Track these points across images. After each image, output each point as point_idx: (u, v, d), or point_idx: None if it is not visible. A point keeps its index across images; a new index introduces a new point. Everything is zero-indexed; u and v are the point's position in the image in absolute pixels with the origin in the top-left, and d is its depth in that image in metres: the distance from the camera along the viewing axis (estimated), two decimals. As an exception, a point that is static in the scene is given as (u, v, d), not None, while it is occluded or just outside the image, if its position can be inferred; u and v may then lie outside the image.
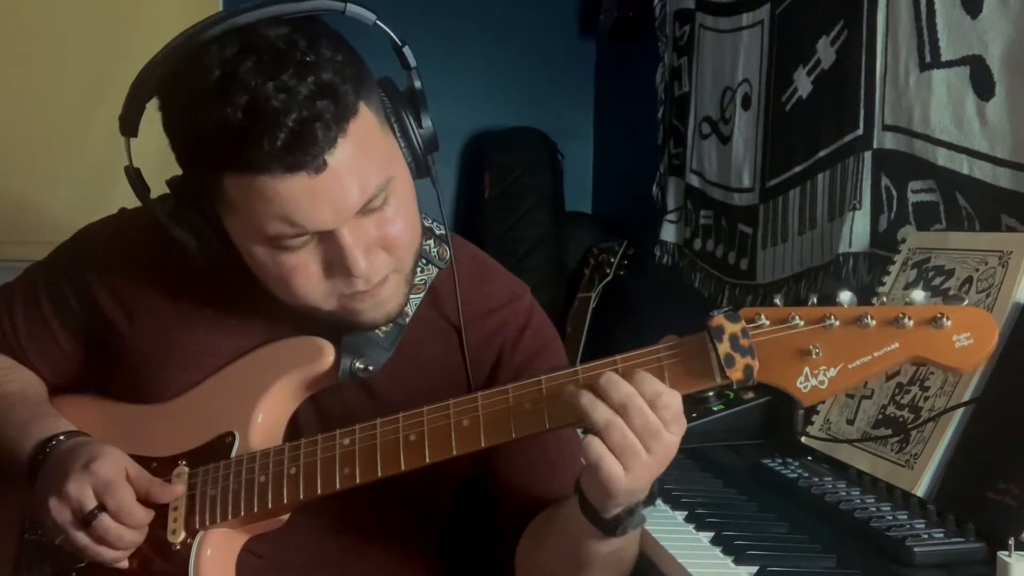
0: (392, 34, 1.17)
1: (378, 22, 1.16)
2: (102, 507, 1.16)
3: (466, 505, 1.36)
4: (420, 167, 1.19)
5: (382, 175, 1.11)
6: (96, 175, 2.66)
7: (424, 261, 1.27)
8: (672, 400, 0.99)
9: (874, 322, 0.95)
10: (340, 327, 1.20)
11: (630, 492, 1.01)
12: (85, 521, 1.16)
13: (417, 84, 1.19)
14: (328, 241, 1.10)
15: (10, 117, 2.68)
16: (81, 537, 1.17)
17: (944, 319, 0.93)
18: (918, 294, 0.96)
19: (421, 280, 1.26)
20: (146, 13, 2.76)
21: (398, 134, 1.17)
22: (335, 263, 1.11)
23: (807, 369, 0.96)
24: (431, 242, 1.29)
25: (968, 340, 0.93)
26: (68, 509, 1.16)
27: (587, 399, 0.99)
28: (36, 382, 1.35)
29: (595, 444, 0.98)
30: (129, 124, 1.16)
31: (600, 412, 0.98)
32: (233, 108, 1.03)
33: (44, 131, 2.72)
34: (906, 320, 0.94)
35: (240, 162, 1.05)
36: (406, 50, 1.18)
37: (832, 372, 0.96)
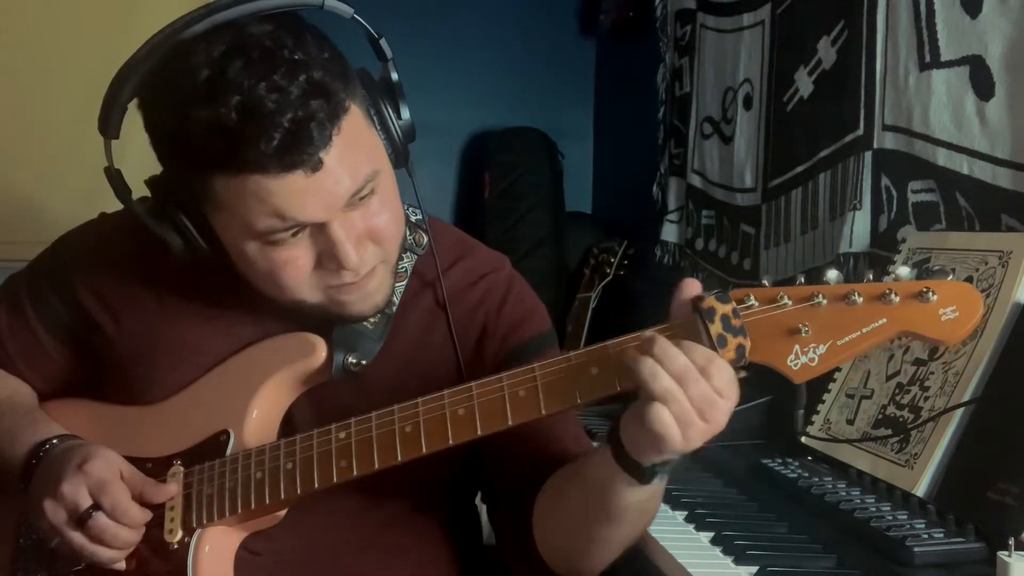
0: (368, 27, 1.18)
1: (355, 16, 1.16)
2: (97, 506, 1.16)
3: (466, 488, 1.37)
4: (399, 157, 1.20)
5: (370, 167, 1.12)
6: (96, 175, 2.64)
7: (404, 251, 1.28)
8: (723, 366, 0.98)
9: (861, 299, 0.96)
10: (327, 319, 1.20)
11: (681, 452, 1.02)
12: (80, 520, 1.16)
13: (394, 75, 1.19)
14: (318, 234, 1.11)
15: (10, 117, 2.68)
16: (77, 537, 1.17)
17: (930, 293, 0.94)
18: (904, 270, 0.96)
19: (403, 268, 1.28)
20: (146, 13, 2.76)
21: (378, 126, 1.17)
22: (325, 256, 1.12)
23: (797, 347, 0.97)
24: (406, 230, 1.29)
25: (954, 313, 0.94)
26: (63, 510, 1.16)
27: (648, 368, 0.97)
28: (25, 389, 1.35)
29: (663, 414, 0.97)
30: (110, 125, 1.14)
31: (661, 382, 0.97)
32: (226, 109, 1.03)
33: (44, 131, 2.72)
34: (892, 296, 0.95)
35: (234, 163, 1.05)
36: (382, 41, 1.19)
37: (822, 349, 0.96)
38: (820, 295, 0.97)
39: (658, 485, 1.07)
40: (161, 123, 1.11)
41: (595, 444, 1.26)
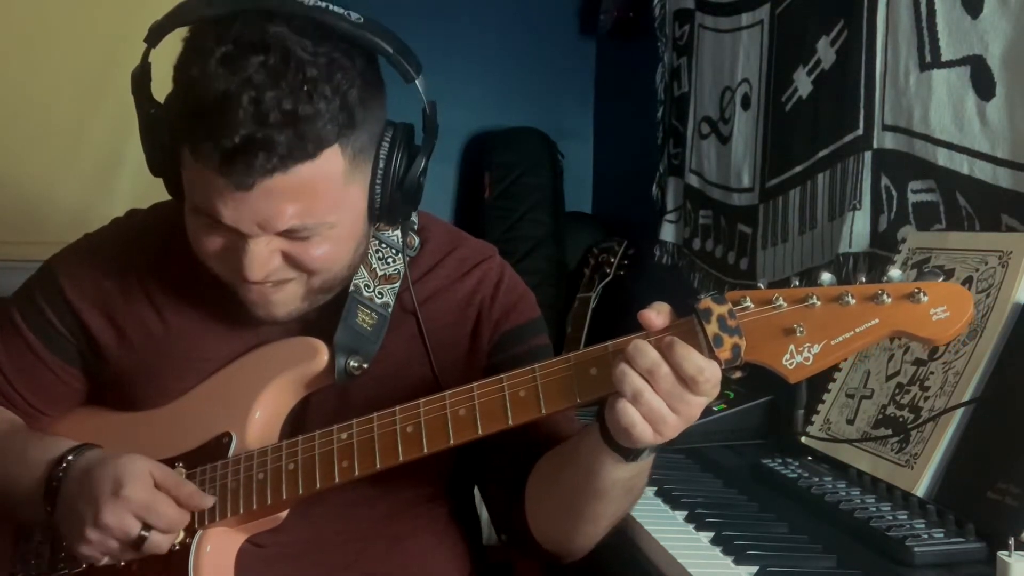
0: (423, 96, 1.18)
1: (417, 82, 1.17)
2: (148, 526, 1.15)
3: (466, 479, 1.37)
4: (381, 214, 1.20)
5: (316, 218, 1.13)
6: (96, 175, 2.66)
7: (394, 252, 1.29)
8: (690, 356, 0.99)
9: (854, 300, 0.97)
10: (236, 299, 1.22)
11: (656, 443, 1.05)
12: (135, 545, 1.16)
13: (426, 157, 1.20)
14: (240, 238, 1.13)
15: (10, 116, 2.68)
16: (131, 555, 1.17)
17: (921, 294, 0.96)
18: (895, 272, 0.98)
19: (395, 271, 1.29)
20: (147, 13, 2.75)
21: (379, 179, 1.17)
22: (235, 256, 1.14)
23: (792, 347, 0.99)
24: (398, 233, 1.30)
25: (945, 313, 0.95)
26: (113, 539, 1.15)
27: (619, 370, 1.01)
28: (16, 418, 1.33)
29: (628, 412, 1.01)
30: (157, 35, 1.16)
31: (630, 382, 1.00)
32: (212, 89, 1.05)
33: (44, 131, 2.72)
34: (885, 296, 0.97)
35: (193, 143, 1.08)
36: (431, 112, 1.20)
37: (816, 349, 0.98)
38: (814, 296, 0.98)
39: (644, 463, 1.10)
40: (180, 59, 1.12)
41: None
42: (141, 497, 1.15)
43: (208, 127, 1.05)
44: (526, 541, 1.24)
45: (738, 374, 1.02)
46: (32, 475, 1.21)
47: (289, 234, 1.13)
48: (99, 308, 1.30)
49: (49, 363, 1.31)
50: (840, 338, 0.98)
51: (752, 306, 1.00)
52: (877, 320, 0.97)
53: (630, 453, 1.07)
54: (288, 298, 1.20)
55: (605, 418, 1.06)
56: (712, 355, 0.99)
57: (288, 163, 1.07)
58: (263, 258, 1.13)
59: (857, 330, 0.97)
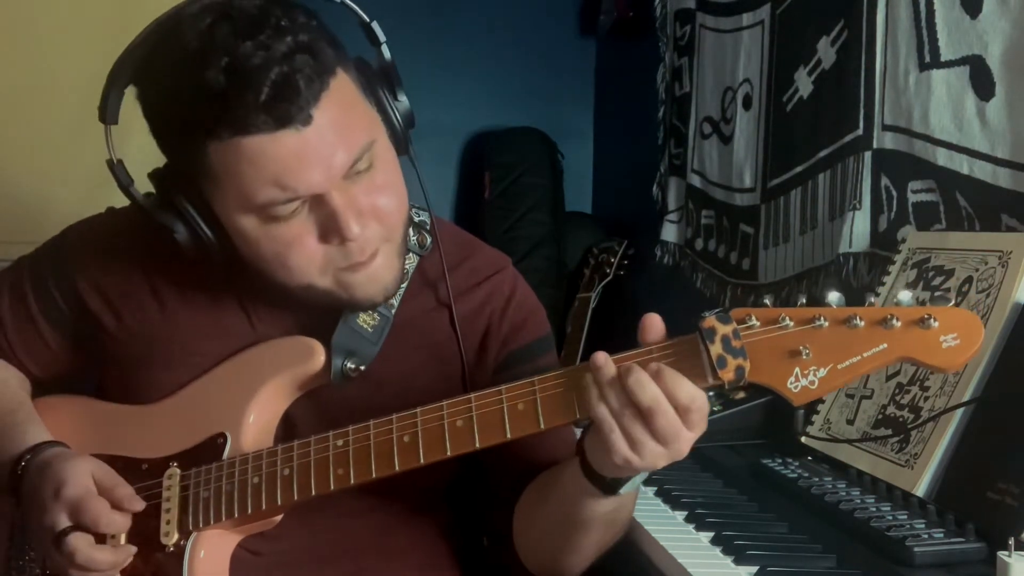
0: (359, 11, 1.17)
1: (345, 0, 1.16)
2: (76, 527, 1.15)
3: (465, 490, 1.37)
4: (399, 143, 1.20)
5: (365, 136, 1.11)
6: (96, 175, 2.65)
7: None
8: (692, 392, 0.98)
9: (863, 323, 0.95)
10: (334, 307, 1.19)
11: (640, 472, 1.03)
12: (56, 542, 1.14)
13: (387, 55, 1.19)
14: (319, 208, 1.10)
15: (10, 117, 2.68)
16: (65, 562, 1.16)
17: (931, 320, 0.94)
18: (905, 295, 0.96)
19: (404, 270, 1.27)
20: (148, 13, 2.75)
21: (374, 106, 1.17)
22: (329, 230, 1.11)
23: (797, 369, 0.97)
24: (409, 230, 1.28)
25: (955, 341, 0.93)
26: (48, 540, 1.15)
27: (594, 396, 0.99)
28: (14, 380, 1.34)
29: (623, 447, 0.99)
30: (108, 112, 1.15)
31: (624, 421, 0.98)
32: (214, 71, 1.03)
33: (44, 131, 2.72)
34: (894, 321, 0.95)
35: (225, 124, 1.04)
36: (375, 25, 1.18)
37: (822, 372, 0.96)
38: (821, 317, 0.96)
39: (624, 496, 1.08)
40: (157, 102, 1.11)
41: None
42: (74, 495, 1.15)
43: (238, 95, 1.03)
44: (519, 568, 1.24)
45: (741, 394, 1.00)
46: (3, 466, 1.23)
47: (353, 174, 1.10)
48: (101, 288, 1.30)
49: (40, 326, 1.32)
50: (847, 362, 0.95)
51: (758, 325, 0.98)
52: (885, 345, 0.95)
53: (607, 486, 1.06)
54: (388, 261, 1.17)
55: (586, 449, 1.05)
56: (715, 376, 0.97)
57: (324, 78, 1.06)
58: (353, 208, 1.10)
59: (865, 355, 0.95)
